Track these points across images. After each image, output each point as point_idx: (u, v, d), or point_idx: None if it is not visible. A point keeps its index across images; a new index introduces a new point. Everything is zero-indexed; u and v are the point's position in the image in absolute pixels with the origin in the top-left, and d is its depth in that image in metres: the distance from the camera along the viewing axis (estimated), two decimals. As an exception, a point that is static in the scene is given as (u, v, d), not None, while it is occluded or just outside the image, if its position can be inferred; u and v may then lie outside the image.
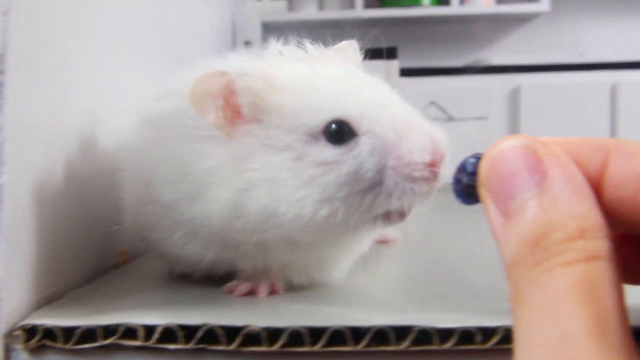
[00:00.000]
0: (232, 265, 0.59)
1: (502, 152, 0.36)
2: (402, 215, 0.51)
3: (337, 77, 0.52)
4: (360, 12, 2.48)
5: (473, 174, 0.39)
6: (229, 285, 0.59)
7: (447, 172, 0.49)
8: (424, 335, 0.46)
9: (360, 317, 0.48)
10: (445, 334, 0.46)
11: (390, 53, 1.43)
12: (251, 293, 0.57)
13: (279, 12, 1.96)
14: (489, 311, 0.48)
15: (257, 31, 1.88)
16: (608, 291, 0.31)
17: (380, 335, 0.46)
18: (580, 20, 2.65)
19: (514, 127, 2.22)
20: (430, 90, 2.21)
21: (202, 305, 0.54)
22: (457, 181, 0.40)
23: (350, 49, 0.60)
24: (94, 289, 0.63)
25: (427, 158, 0.49)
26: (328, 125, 0.49)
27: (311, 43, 0.57)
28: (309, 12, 2.53)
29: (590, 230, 0.32)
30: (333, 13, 2.48)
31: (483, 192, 0.37)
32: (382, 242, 0.79)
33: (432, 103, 2.19)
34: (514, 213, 0.34)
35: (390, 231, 0.78)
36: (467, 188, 0.39)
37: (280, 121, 0.50)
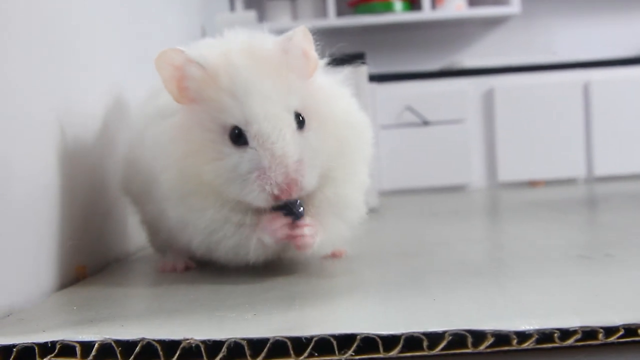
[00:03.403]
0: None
1: None
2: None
3: (249, 87, 0.63)
4: (333, 20, 2.48)
5: None
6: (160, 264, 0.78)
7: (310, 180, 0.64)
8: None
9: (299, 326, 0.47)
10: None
11: (358, 59, 1.42)
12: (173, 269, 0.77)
13: (249, 23, 1.95)
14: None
15: (227, 42, 1.86)
16: None
17: (324, 344, 0.45)
18: (551, 21, 2.65)
19: (489, 129, 2.21)
20: (405, 95, 2.20)
21: (150, 318, 0.53)
22: None
23: (299, 35, 0.67)
24: (45, 306, 0.62)
25: (279, 179, 0.62)
26: (232, 129, 0.64)
27: None
28: (283, 22, 2.52)
29: None
30: (306, 22, 2.47)
31: None
32: (332, 256, 0.79)
33: (408, 108, 2.19)
34: None
35: (340, 245, 0.79)
36: None
37: (209, 110, 0.65)
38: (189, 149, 0.65)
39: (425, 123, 2.19)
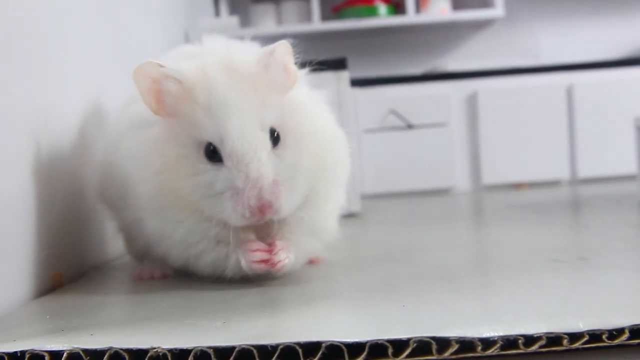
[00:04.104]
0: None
1: None
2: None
3: (225, 104, 0.63)
4: (318, 24, 2.48)
5: None
6: (136, 272, 0.78)
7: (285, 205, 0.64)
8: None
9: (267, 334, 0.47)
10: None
11: (339, 64, 1.42)
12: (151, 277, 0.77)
13: (232, 28, 1.95)
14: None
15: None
16: None
17: (290, 352, 0.46)
18: (535, 24, 2.67)
19: (473, 132, 2.22)
20: (389, 99, 2.21)
21: (121, 327, 0.54)
22: None
23: (281, 49, 0.66)
24: (19, 315, 0.62)
25: (252, 202, 0.62)
26: (207, 145, 0.64)
27: None
28: (268, 27, 2.53)
29: None
30: (290, 26, 2.48)
31: None
32: (310, 262, 0.79)
33: (392, 111, 2.20)
34: None
35: (319, 252, 0.79)
36: None
37: (185, 125, 0.65)
38: (165, 163, 0.65)
39: (410, 126, 2.20)
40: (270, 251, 0.66)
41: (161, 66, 0.65)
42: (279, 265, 0.66)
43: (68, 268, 0.80)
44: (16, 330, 0.55)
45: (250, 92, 0.64)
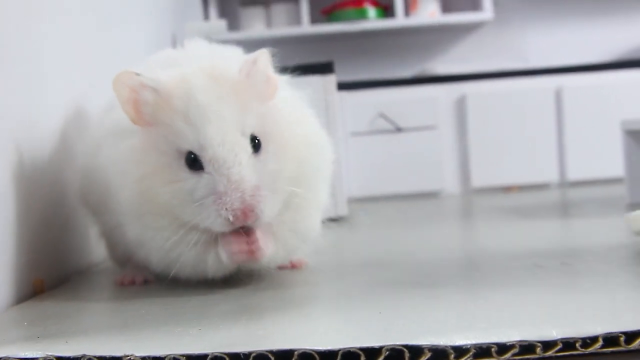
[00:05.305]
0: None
1: None
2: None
3: (204, 112, 0.63)
4: (307, 27, 2.48)
5: None
6: (118, 277, 0.78)
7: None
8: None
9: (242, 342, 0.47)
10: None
11: (326, 68, 1.42)
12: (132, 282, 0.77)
13: (219, 31, 1.95)
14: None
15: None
16: None
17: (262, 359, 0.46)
18: (524, 27, 2.67)
19: (462, 135, 2.22)
20: (378, 102, 2.21)
21: (97, 334, 0.53)
22: None
23: (263, 58, 0.67)
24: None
25: (235, 204, 0.62)
26: (188, 154, 0.64)
27: None
28: (257, 30, 2.52)
29: None
30: (280, 30, 2.48)
31: None
32: (292, 267, 0.79)
33: (381, 115, 2.20)
34: None
35: (302, 256, 0.80)
36: None
37: (165, 133, 0.65)
38: (145, 171, 0.65)
39: (398, 130, 2.20)
40: (249, 241, 0.65)
41: (138, 75, 0.65)
42: (258, 253, 0.65)
43: (50, 274, 0.80)
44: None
45: (230, 99, 0.64)
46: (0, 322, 0.62)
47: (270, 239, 0.67)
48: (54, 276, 0.81)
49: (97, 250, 0.93)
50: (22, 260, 0.73)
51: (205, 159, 0.63)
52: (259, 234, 0.65)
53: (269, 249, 0.67)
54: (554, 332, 0.46)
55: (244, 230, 0.65)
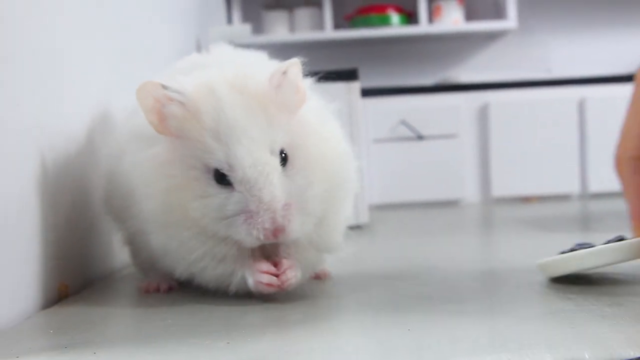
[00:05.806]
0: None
1: None
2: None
3: (233, 129, 0.62)
4: (330, 33, 2.48)
5: None
6: (143, 284, 0.78)
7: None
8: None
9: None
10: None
11: (351, 75, 1.42)
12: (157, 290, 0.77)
13: (244, 35, 1.95)
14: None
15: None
16: None
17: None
18: (547, 37, 2.66)
19: (483, 144, 2.22)
20: (400, 109, 2.21)
21: (124, 345, 0.53)
22: None
23: (294, 69, 0.65)
24: (23, 328, 0.62)
25: (267, 224, 0.62)
26: (216, 170, 0.63)
27: None
28: (280, 34, 2.53)
29: None
30: (303, 35, 2.48)
31: None
32: (316, 277, 0.79)
33: (402, 122, 2.19)
34: None
35: (325, 266, 0.79)
36: None
37: (192, 147, 0.64)
38: (172, 184, 0.65)
39: (420, 137, 2.19)
40: (277, 274, 0.65)
41: (164, 87, 0.63)
42: (286, 284, 0.66)
43: (74, 279, 0.80)
44: (19, 345, 0.55)
45: (259, 114, 0.63)
46: (26, 330, 0.62)
47: (298, 266, 0.67)
48: (78, 281, 0.81)
49: (120, 256, 0.94)
50: (49, 266, 0.73)
51: (235, 178, 0.63)
52: (286, 264, 0.66)
53: (297, 277, 0.67)
54: (586, 355, 0.46)
55: (270, 250, 0.66)
